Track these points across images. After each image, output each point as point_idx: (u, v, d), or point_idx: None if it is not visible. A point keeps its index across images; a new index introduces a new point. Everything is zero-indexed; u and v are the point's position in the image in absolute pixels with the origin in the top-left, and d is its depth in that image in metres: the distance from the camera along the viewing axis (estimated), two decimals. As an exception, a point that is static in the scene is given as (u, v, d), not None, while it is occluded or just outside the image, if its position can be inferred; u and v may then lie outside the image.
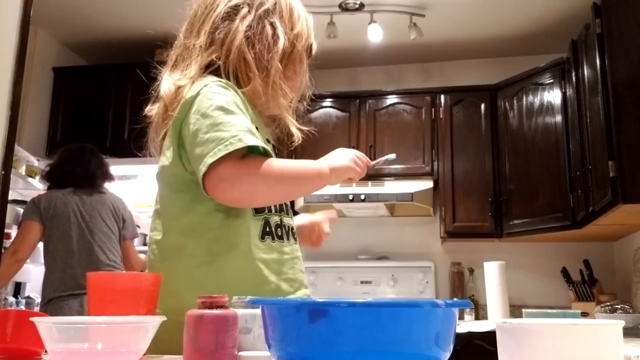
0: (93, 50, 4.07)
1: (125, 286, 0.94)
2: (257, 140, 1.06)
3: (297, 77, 1.29)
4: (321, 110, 3.91)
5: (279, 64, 1.19)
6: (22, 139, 3.47)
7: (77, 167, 2.84)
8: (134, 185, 3.67)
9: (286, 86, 1.21)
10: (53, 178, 2.86)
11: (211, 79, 1.14)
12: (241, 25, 1.19)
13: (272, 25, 1.21)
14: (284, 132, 1.29)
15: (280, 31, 1.21)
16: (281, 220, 1.21)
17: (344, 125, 3.85)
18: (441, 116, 3.80)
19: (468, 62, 4.14)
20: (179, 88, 1.15)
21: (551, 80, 3.42)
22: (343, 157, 1.25)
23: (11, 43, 1.94)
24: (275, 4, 1.24)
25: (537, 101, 3.49)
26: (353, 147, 3.94)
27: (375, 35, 3.64)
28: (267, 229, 1.17)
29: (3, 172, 1.89)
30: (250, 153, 1.08)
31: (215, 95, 1.10)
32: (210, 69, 1.18)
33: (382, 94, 3.92)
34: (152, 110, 1.23)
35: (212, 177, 1.03)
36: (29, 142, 3.56)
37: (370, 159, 1.31)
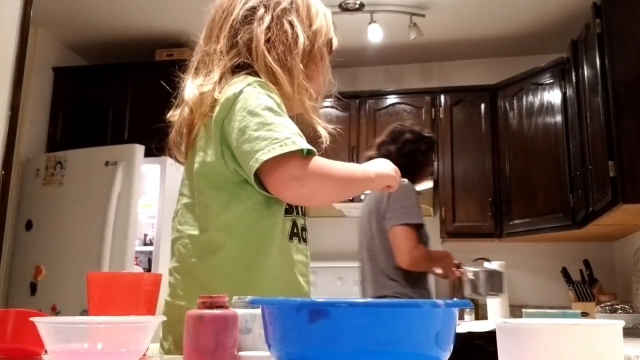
0: (93, 50, 4.07)
1: (125, 286, 0.94)
2: (308, 144, 1.06)
3: (320, 75, 1.29)
4: (321, 110, 3.90)
5: (301, 65, 1.18)
6: (22, 139, 3.47)
7: (400, 155, 2.35)
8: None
9: (310, 86, 1.20)
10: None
11: (253, 79, 1.13)
12: (260, 28, 1.17)
13: (291, 23, 1.20)
14: (310, 133, 1.26)
15: (299, 29, 1.19)
16: (304, 223, 1.23)
17: (344, 125, 3.85)
18: (441, 116, 3.80)
19: (468, 62, 4.14)
20: (203, 93, 1.14)
21: (551, 80, 3.42)
22: (386, 165, 1.27)
23: (11, 43, 1.95)
24: (292, 2, 1.23)
25: (537, 101, 3.49)
26: (353, 147, 3.93)
27: (375, 35, 3.64)
28: (295, 231, 1.19)
29: (3, 172, 1.89)
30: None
31: (262, 96, 1.09)
32: (243, 71, 1.16)
33: (382, 94, 3.92)
34: (175, 115, 1.23)
35: (282, 174, 1.03)
36: (29, 142, 3.56)
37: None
